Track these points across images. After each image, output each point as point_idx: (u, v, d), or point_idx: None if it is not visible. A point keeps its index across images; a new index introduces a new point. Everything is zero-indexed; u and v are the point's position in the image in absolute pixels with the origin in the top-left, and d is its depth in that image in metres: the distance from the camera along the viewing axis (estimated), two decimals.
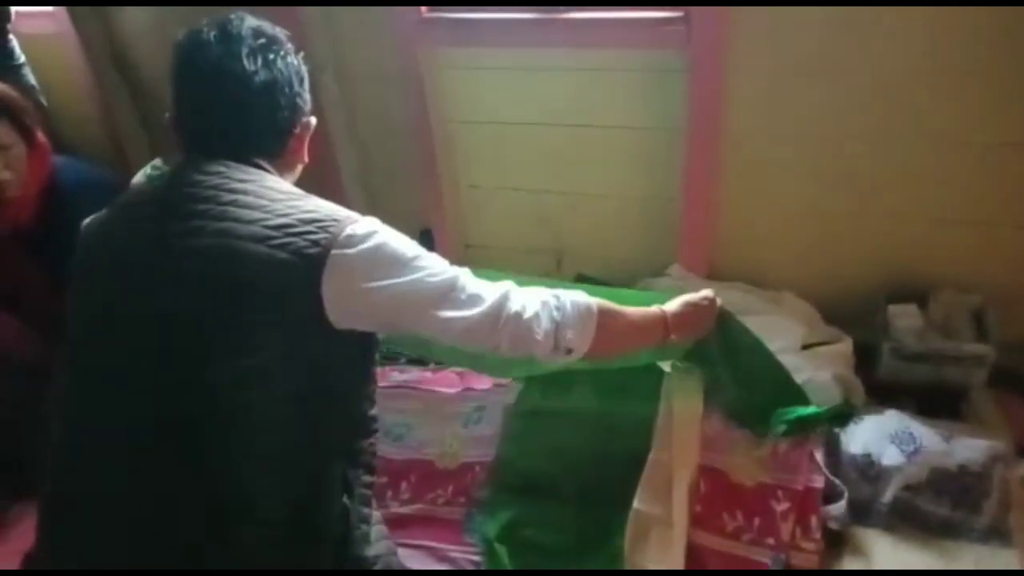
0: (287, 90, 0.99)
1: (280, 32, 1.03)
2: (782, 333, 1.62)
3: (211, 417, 0.88)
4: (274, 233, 0.88)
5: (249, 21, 1.00)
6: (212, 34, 0.96)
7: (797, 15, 1.52)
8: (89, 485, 0.92)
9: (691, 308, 1.22)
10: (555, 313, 0.98)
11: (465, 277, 0.97)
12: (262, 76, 0.96)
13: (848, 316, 1.73)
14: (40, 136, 1.63)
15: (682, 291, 1.80)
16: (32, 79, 1.92)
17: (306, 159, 1.10)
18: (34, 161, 1.60)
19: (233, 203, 0.91)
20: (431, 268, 0.94)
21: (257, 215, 0.90)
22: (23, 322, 1.69)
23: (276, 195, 0.93)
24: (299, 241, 0.88)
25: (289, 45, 1.03)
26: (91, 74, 2.20)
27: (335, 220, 0.91)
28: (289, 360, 0.89)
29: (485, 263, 2.18)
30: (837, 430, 1.36)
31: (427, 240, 2.06)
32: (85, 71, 2.20)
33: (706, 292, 1.28)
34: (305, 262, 0.87)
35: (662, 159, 1.81)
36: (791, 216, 1.76)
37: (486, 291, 0.96)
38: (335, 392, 0.95)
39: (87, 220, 1.03)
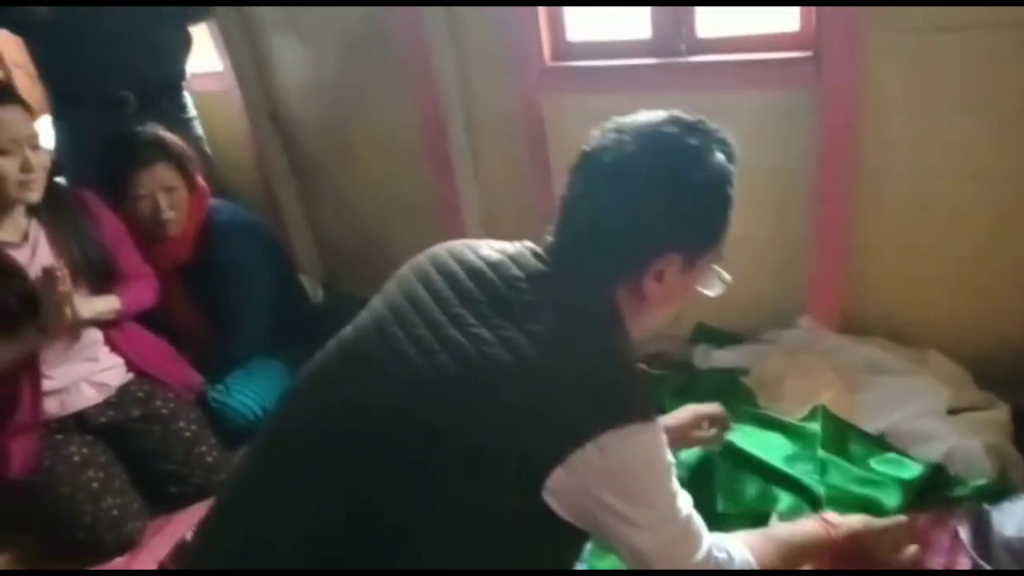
0: (658, 206, 0.84)
1: (715, 146, 0.86)
2: (925, 395, 1.47)
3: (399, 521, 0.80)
4: (548, 380, 0.78)
5: (683, 123, 0.86)
6: (620, 131, 0.87)
7: (934, 47, 1.42)
8: (252, 524, 0.87)
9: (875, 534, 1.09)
10: None
11: (687, 524, 0.85)
12: (643, 178, 0.83)
13: (1006, 380, 1.53)
14: (200, 181, 1.83)
15: (811, 345, 1.71)
16: (200, 131, 2.15)
17: (667, 310, 0.93)
18: (194, 203, 1.80)
19: (526, 318, 0.81)
20: (670, 510, 0.83)
21: (544, 347, 0.79)
22: (177, 349, 1.86)
23: (583, 343, 0.81)
24: (565, 408, 0.77)
25: (712, 160, 0.85)
26: (250, 127, 2.45)
27: (611, 413, 0.77)
28: (491, 507, 0.79)
29: None
30: (988, 507, 1.20)
31: None
32: (245, 125, 2.46)
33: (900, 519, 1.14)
34: (555, 433, 0.76)
35: (791, 201, 1.72)
36: (937, 264, 1.61)
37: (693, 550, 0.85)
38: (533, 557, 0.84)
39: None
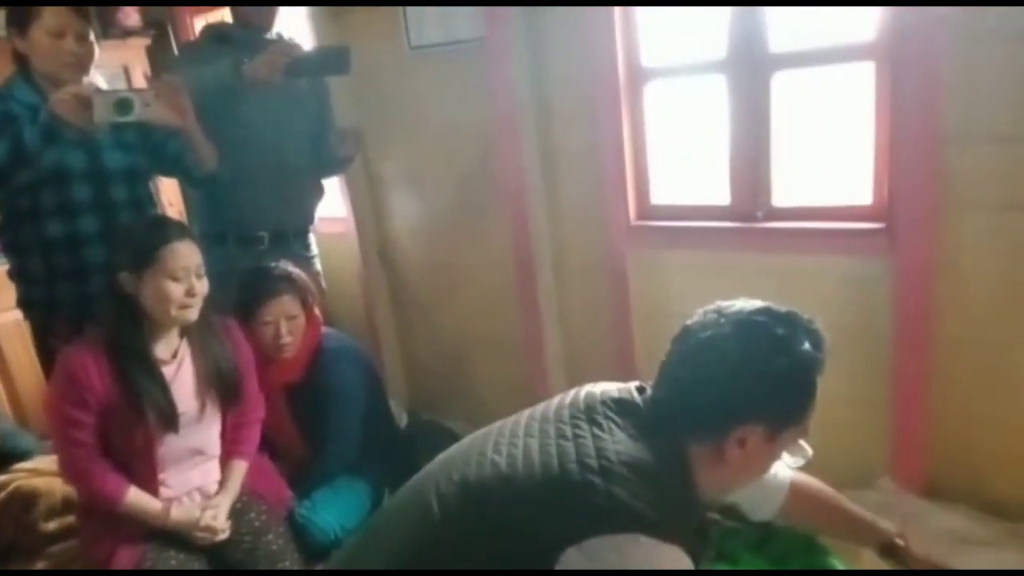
0: (743, 384, 0.94)
1: (798, 335, 0.96)
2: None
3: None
4: (592, 477, 0.90)
5: (774, 314, 0.97)
6: (719, 314, 0.99)
7: (1007, 224, 1.49)
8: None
9: None
10: None
11: None
12: (732, 358, 0.94)
13: None
14: (316, 311, 2.04)
15: (891, 508, 1.68)
16: (318, 267, 2.40)
17: (749, 474, 1.04)
18: (309, 330, 1.99)
19: (602, 428, 0.96)
20: None
21: (602, 451, 0.93)
22: (275, 465, 1.99)
23: (632, 460, 0.93)
24: (596, 499, 0.89)
25: (797, 349, 0.95)
26: (361, 264, 2.73)
27: (628, 518, 0.88)
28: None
29: None
30: None
31: None
32: (357, 261, 2.74)
33: None
34: (566, 524, 0.89)
35: (869, 361, 1.76)
36: None
37: None
38: None
39: None
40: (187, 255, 1.59)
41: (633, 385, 1.06)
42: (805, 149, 1.84)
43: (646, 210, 2.06)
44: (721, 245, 1.92)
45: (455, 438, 2.40)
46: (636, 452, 0.94)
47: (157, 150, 1.89)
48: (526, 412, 1.10)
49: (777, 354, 0.94)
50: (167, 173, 2.12)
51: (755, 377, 0.93)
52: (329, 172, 2.34)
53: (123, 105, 1.59)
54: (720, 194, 1.92)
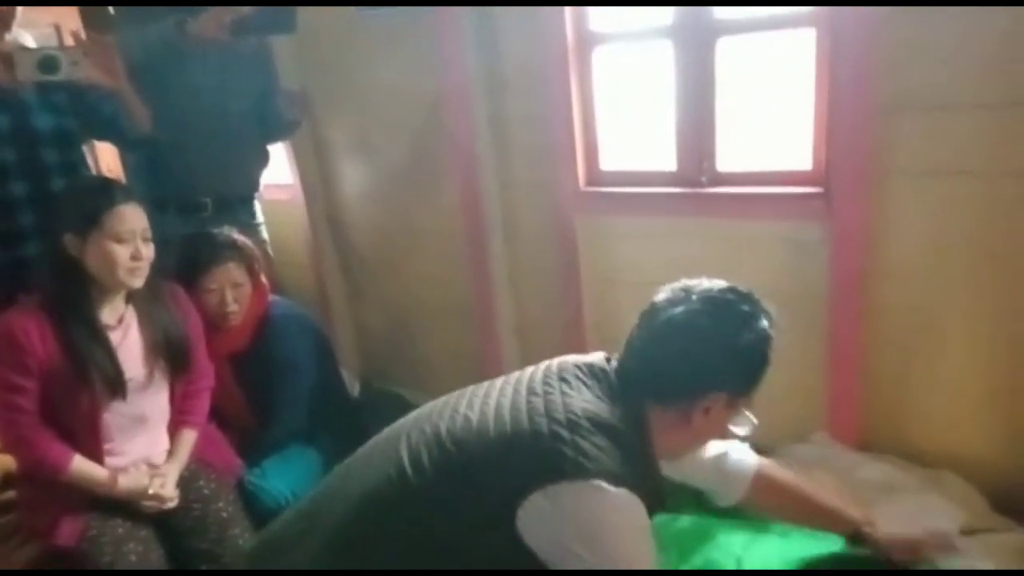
0: (715, 356, 1.03)
1: (758, 310, 1.06)
2: (937, 514, 1.50)
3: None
4: (555, 425, 0.98)
5: (739, 293, 1.07)
6: (687, 292, 1.07)
7: (943, 191, 1.55)
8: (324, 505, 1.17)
9: None
10: None
11: None
12: (702, 332, 1.02)
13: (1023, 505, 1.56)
14: (263, 279, 2.01)
15: (824, 460, 1.76)
16: (265, 235, 2.36)
17: (703, 440, 1.16)
18: (255, 298, 1.97)
19: (571, 385, 1.05)
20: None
21: (569, 406, 1.01)
22: (223, 434, 1.97)
23: (595, 415, 1.00)
24: (561, 446, 0.96)
25: (759, 325, 1.05)
26: (310, 231, 2.68)
27: (585, 466, 0.94)
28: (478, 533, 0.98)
29: None
30: None
31: None
32: (305, 228, 2.70)
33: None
34: (538, 464, 0.96)
35: (807, 322, 1.81)
36: (951, 394, 1.67)
37: None
38: None
39: None
40: (133, 218, 1.56)
41: (602, 355, 1.14)
42: (749, 114, 1.87)
43: (595, 176, 2.08)
44: (668, 210, 1.95)
45: (408, 406, 2.41)
46: (601, 411, 1.02)
47: (89, 112, 1.82)
48: (501, 377, 1.16)
49: (744, 329, 1.03)
50: (100, 136, 2.04)
51: (725, 350, 1.02)
52: (275, 136, 2.29)
53: (48, 63, 1.53)
54: (667, 160, 1.94)
